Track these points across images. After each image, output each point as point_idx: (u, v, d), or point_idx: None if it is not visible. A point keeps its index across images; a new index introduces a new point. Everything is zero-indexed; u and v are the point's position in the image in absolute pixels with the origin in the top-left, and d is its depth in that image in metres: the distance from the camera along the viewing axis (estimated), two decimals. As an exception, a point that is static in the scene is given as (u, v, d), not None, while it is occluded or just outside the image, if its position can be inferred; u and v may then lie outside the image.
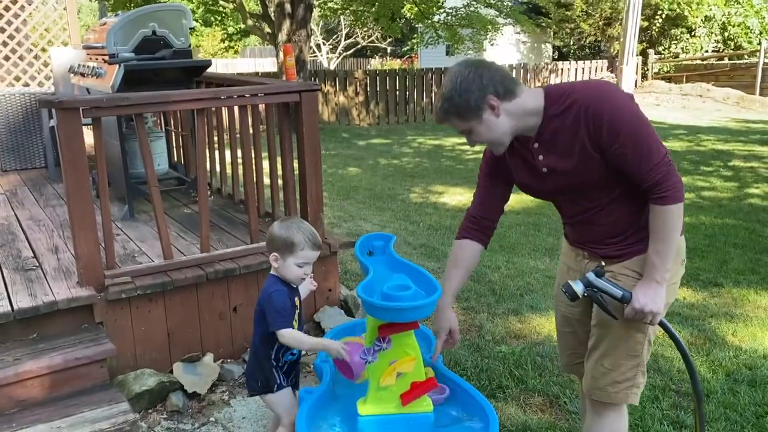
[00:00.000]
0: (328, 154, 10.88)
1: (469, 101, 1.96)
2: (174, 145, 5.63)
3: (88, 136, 3.97)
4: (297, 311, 2.42)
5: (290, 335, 2.29)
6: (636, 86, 18.49)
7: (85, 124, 3.14)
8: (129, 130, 4.53)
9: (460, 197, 7.71)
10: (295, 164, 3.85)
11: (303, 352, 2.58)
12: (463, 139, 2.30)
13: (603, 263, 2.09)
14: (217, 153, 4.87)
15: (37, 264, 3.53)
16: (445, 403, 2.30)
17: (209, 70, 4.70)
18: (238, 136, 4.02)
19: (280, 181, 4.05)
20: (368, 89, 14.90)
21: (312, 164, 3.71)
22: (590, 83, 2.04)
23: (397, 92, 15.24)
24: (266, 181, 4.51)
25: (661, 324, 2.06)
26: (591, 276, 2.03)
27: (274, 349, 2.41)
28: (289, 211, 3.86)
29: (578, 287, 2.03)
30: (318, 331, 3.74)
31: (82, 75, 4.77)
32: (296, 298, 2.40)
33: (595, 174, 2.00)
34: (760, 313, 4.33)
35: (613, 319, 2.07)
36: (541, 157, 2.08)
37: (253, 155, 3.88)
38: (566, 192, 2.12)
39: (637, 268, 2.05)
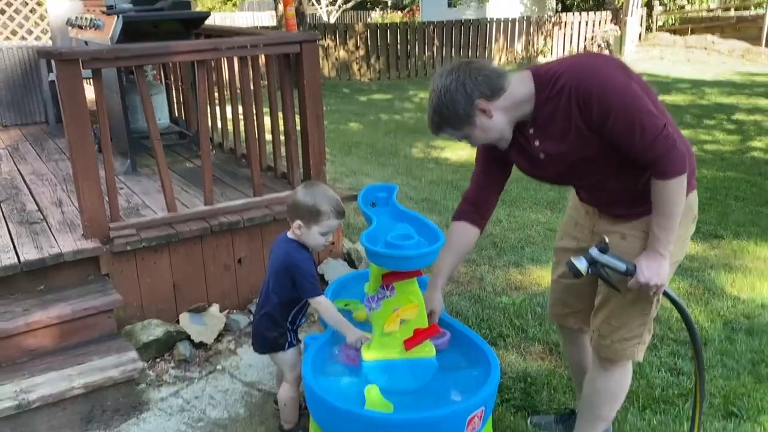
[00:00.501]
0: (328, 110, 10.80)
1: (458, 111, 1.94)
2: (175, 99, 5.58)
3: (89, 90, 3.95)
4: None
5: (326, 305, 2.31)
6: (640, 39, 18.22)
7: (85, 78, 3.12)
8: (130, 84, 4.49)
9: (462, 152, 7.69)
10: (297, 118, 3.83)
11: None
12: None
13: (606, 238, 2.06)
14: (218, 108, 4.84)
15: (42, 217, 3.55)
16: (447, 349, 2.34)
17: (207, 22, 4.64)
18: (239, 90, 3.99)
19: (282, 137, 4.04)
20: (369, 43, 14.69)
21: (314, 117, 3.69)
22: (579, 59, 1.99)
23: (399, 46, 15.02)
24: (268, 136, 4.49)
25: (666, 294, 2.06)
26: (594, 252, 2.02)
27: (292, 313, 2.44)
28: (291, 164, 3.86)
29: (582, 264, 2.02)
30: (322, 283, 3.78)
31: (80, 27, 4.70)
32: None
33: (594, 152, 1.96)
34: (759, 264, 4.37)
35: (618, 292, 2.09)
36: (537, 143, 2.05)
37: (254, 109, 3.86)
38: (567, 174, 2.10)
39: (645, 228, 2.03)
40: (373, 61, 14.86)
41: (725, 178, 6.56)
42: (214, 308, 3.48)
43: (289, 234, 2.37)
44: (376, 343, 2.23)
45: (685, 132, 8.90)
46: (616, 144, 1.90)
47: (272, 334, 2.45)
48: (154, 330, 3.20)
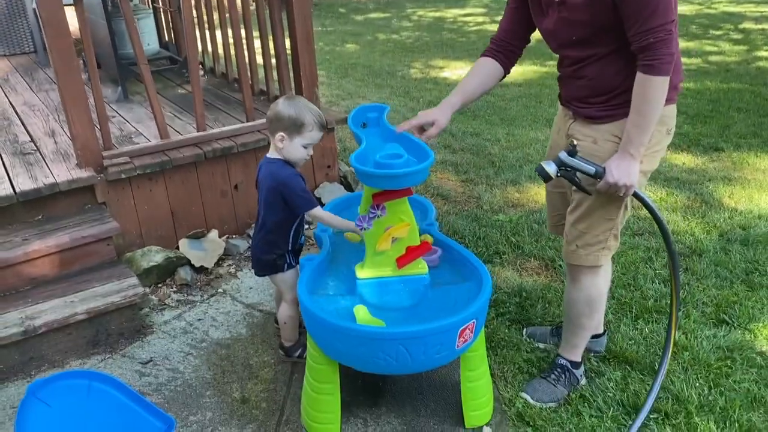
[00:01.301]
0: (324, 30, 10.54)
1: None
2: (164, 24, 5.44)
3: (74, 18, 3.84)
4: None
5: (323, 214, 2.34)
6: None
7: (66, 4, 3.03)
8: (115, 9, 4.37)
9: (462, 71, 7.55)
10: (288, 41, 3.74)
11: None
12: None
13: (575, 141, 2.07)
14: (208, 32, 4.72)
15: (35, 148, 3.54)
16: (440, 266, 2.37)
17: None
18: (228, 15, 3.88)
19: (273, 59, 3.95)
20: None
21: (303, 37, 3.60)
22: None
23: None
24: (260, 60, 4.40)
25: (636, 195, 2.06)
26: (563, 155, 2.03)
27: (291, 234, 2.45)
28: (283, 87, 3.79)
29: (551, 168, 2.04)
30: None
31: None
32: None
33: (601, 16, 1.90)
34: (758, 176, 4.36)
35: (588, 195, 2.10)
36: None
37: (243, 31, 3.76)
38: (567, 32, 2.03)
39: (618, 132, 2.03)
40: (369, -22, 14.35)
41: (729, 89, 6.44)
42: (213, 233, 3.51)
43: (270, 154, 2.37)
44: (369, 262, 2.25)
45: (690, 44, 8.72)
46: (624, 11, 1.85)
47: (271, 256, 2.47)
48: (154, 256, 3.24)
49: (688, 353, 2.62)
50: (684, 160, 4.68)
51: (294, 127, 2.25)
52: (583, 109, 2.12)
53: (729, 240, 3.52)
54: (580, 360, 2.48)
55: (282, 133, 2.28)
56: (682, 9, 10.75)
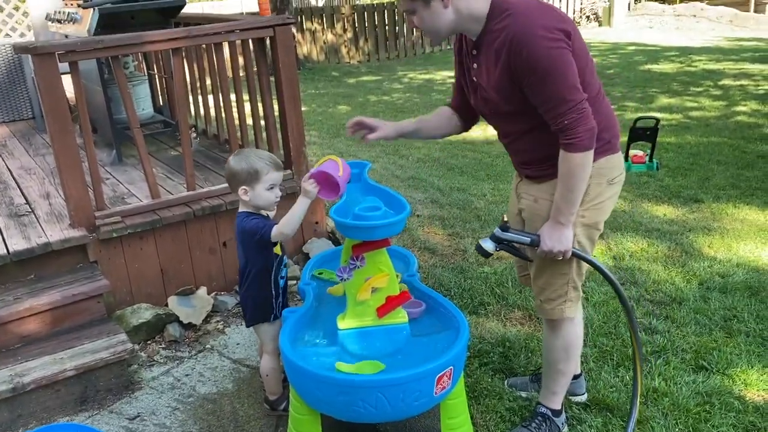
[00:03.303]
0: (317, 93, 10.84)
1: None
2: (159, 89, 5.64)
3: (71, 85, 4.01)
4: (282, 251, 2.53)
5: (280, 227, 2.35)
6: (629, 9, 18.15)
7: (64, 73, 3.18)
8: (111, 76, 4.55)
9: (449, 129, 7.74)
10: (276, 103, 3.90)
11: (286, 281, 2.71)
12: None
13: (505, 217, 2.24)
14: (200, 97, 4.90)
15: (30, 210, 3.64)
16: (421, 317, 2.44)
17: (192, 10, 4.69)
18: (218, 81, 4.05)
19: (262, 121, 4.11)
20: (356, 25, 14.66)
21: (291, 99, 3.76)
22: (530, 4, 2.01)
23: (387, 27, 14.99)
24: (250, 122, 4.56)
25: (577, 256, 2.18)
26: (497, 231, 2.19)
27: (272, 277, 2.54)
28: (272, 147, 3.93)
29: (488, 245, 2.20)
30: (306, 261, 3.87)
31: (59, 22, 4.76)
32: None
33: (513, 101, 2.05)
34: (736, 225, 4.46)
35: (530, 261, 2.27)
36: (475, 66, 2.14)
37: (233, 95, 3.93)
38: (489, 110, 2.20)
39: (553, 191, 2.14)
40: (361, 43, 14.83)
41: (708, 143, 6.62)
42: (202, 290, 3.58)
43: (240, 208, 2.48)
44: (350, 312, 2.32)
45: (671, 100, 8.91)
46: (533, 101, 1.99)
47: (258, 305, 2.55)
48: (143, 313, 3.30)
49: (667, 399, 2.66)
50: (665, 211, 4.79)
51: (250, 177, 2.37)
52: (525, 170, 2.29)
53: (708, 288, 3.60)
54: (560, 408, 2.52)
55: (243, 187, 2.39)
56: (664, 68, 11.11)
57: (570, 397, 2.66)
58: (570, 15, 16.85)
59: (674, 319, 3.28)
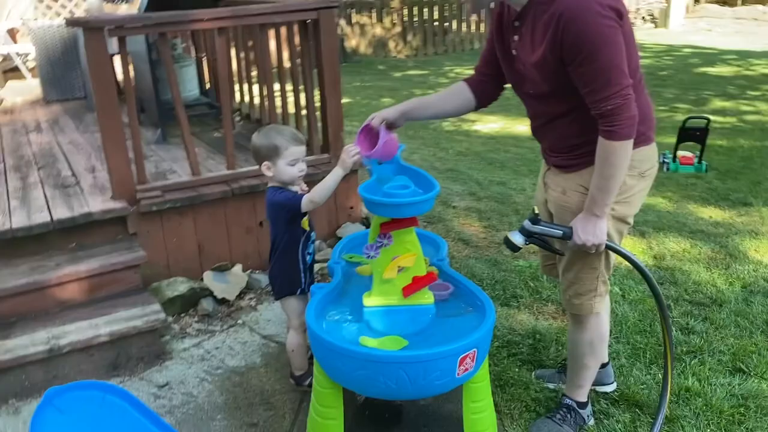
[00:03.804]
0: (362, 86, 10.86)
1: None
2: (206, 73, 5.74)
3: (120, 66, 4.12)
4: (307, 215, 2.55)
5: (311, 196, 2.39)
6: (687, 11, 17.65)
7: (113, 54, 3.26)
8: (159, 58, 4.65)
9: (494, 125, 7.68)
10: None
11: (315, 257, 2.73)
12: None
13: (536, 209, 2.15)
14: (246, 84, 4.99)
15: (76, 182, 3.75)
16: (447, 300, 2.42)
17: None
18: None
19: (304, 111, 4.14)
20: (405, 20, 14.65)
21: (331, 83, 3.77)
22: None
23: (435, 23, 14.93)
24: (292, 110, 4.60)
25: (611, 248, 2.11)
26: (527, 224, 2.10)
27: (299, 249, 2.57)
28: (311, 131, 3.96)
29: (517, 238, 2.11)
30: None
31: (113, 2, 4.89)
32: None
33: (552, 79, 1.96)
34: (786, 230, 4.30)
35: (561, 255, 2.19)
36: (516, 38, 2.06)
37: (278, 84, 3.97)
38: (524, 87, 2.11)
39: (585, 183, 2.07)
40: (409, 38, 14.80)
41: (762, 147, 6.40)
42: (237, 267, 3.63)
43: (270, 183, 2.52)
44: (376, 290, 2.32)
45: (725, 103, 8.68)
46: (577, 83, 1.91)
47: (287, 277, 2.59)
48: (179, 286, 3.36)
49: (701, 399, 2.59)
50: (711, 213, 4.65)
51: (271, 152, 2.41)
52: (552, 158, 2.20)
53: (752, 292, 3.48)
54: (586, 400, 2.47)
55: (266, 162, 2.43)
56: (721, 70, 10.78)
57: (597, 388, 2.61)
58: (624, 15, 16.49)
59: (713, 321, 3.18)
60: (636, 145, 2.00)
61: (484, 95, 2.36)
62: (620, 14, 1.88)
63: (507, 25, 2.10)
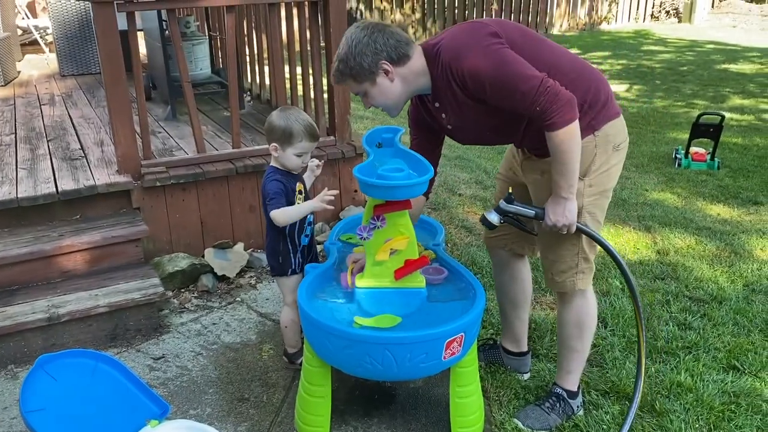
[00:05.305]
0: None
1: (363, 65, 2.04)
2: (218, 52, 5.76)
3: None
4: (303, 196, 2.56)
5: (279, 214, 2.43)
6: (712, 6, 17.36)
7: (122, 30, 3.27)
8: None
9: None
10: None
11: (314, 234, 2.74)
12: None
13: (510, 189, 2.23)
14: (257, 65, 4.99)
15: (83, 155, 3.79)
16: (440, 284, 2.42)
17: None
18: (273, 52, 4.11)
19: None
20: (425, 6, 14.56)
21: (340, 65, 3.76)
22: (453, 33, 2.06)
23: (456, 10, 14.83)
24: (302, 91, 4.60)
25: (581, 230, 2.16)
26: (502, 204, 2.18)
27: (290, 231, 2.57)
28: (317, 113, 3.96)
29: (493, 217, 2.20)
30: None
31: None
32: (298, 183, 2.54)
33: (492, 118, 2.07)
34: (794, 231, 4.24)
35: (534, 235, 2.28)
36: (443, 116, 2.17)
37: (287, 66, 3.97)
38: (482, 136, 2.23)
39: None
40: (429, 24, 14.71)
41: (778, 146, 6.30)
42: (239, 246, 3.66)
43: (271, 162, 2.54)
44: (368, 272, 2.33)
45: (744, 101, 8.53)
46: (503, 107, 2.00)
47: (277, 257, 2.60)
48: (180, 262, 3.40)
49: (692, 395, 2.57)
50: (719, 211, 4.60)
51: (284, 137, 2.42)
52: (532, 149, 2.25)
53: (754, 290, 3.44)
54: (576, 390, 2.47)
55: (275, 144, 2.45)
56: (743, 68, 10.60)
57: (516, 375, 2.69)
58: (648, 10, 16.27)
59: (711, 318, 3.15)
60: (602, 121, 2.10)
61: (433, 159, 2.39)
62: (495, 34, 2.00)
63: (433, 111, 2.21)
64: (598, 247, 2.29)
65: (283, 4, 3.82)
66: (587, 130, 2.08)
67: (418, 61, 2.08)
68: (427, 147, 2.38)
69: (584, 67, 2.14)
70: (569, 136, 1.97)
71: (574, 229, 2.13)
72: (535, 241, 2.46)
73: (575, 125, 1.97)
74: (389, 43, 2.04)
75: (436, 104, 2.17)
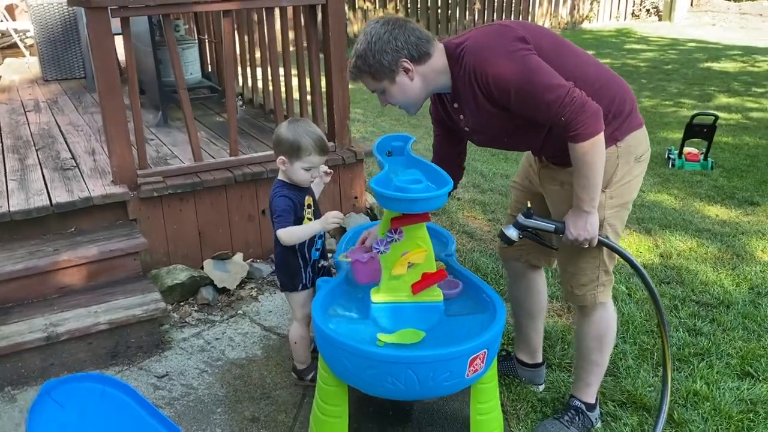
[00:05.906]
0: (365, 72, 10.76)
1: (382, 62, 1.97)
2: (208, 56, 5.65)
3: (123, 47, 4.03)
4: (312, 209, 2.49)
5: (285, 234, 2.35)
6: (692, 5, 17.54)
7: (115, 33, 3.18)
8: (161, 39, 4.55)
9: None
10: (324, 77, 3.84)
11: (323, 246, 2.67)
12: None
13: (529, 203, 2.16)
14: (249, 68, 4.89)
15: (75, 164, 3.67)
16: (458, 297, 2.36)
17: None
18: (267, 54, 4.02)
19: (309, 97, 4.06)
20: (408, 6, 14.51)
21: (338, 70, 3.69)
22: (479, 34, 2.00)
23: (439, 10, 14.80)
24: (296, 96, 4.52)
25: (603, 243, 2.11)
26: (521, 218, 2.12)
27: (296, 248, 2.49)
28: (316, 118, 3.88)
29: (512, 232, 2.15)
30: (342, 235, 3.83)
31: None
32: (307, 197, 2.47)
33: (512, 124, 2.02)
34: (793, 231, 4.25)
35: (554, 250, 2.24)
36: (461, 117, 2.12)
37: (282, 69, 3.88)
38: (499, 141, 2.18)
39: None
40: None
41: (768, 145, 6.35)
42: (238, 256, 3.57)
43: (279, 175, 2.45)
44: (384, 286, 2.26)
45: (730, 100, 8.60)
46: (527, 115, 1.95)
47: (287, 272, 2.52)
48: (178, 274, 3.30)
49: (709, 403, 2.55)
50: (717, 212, 4.60)
51: (292, 150, 2.33)
52: (550, 158, 2.20)
53: (759, 293, 3.43)
54: (594, 401, 2.43)
55: (283, 157, 2.36)
56: (726, 66, 10.69)
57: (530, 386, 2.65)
58: (629, 9, 16.38)
59: (720, 322, 3.14)
60: (625, 132, 2.06)
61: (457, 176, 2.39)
62: (522, 39, 1.94)
63: (451, 111, 2.17)
64: (617, 257, 2.25)
65: (277, 8, 3.73)
66: (610, 140, 2.03)
67: (439, 59, 2.02)
68: (450, 142, 2.33)
69: (610, 76, 2.09)
70: (594, 149, 1.92)
71: (595, 242, 2.08)
72: (551, 253, 2.41)
73: (600, 137, 1.92)
74: (410, 40, 1.97)
75: (455, 105, 2.11)
